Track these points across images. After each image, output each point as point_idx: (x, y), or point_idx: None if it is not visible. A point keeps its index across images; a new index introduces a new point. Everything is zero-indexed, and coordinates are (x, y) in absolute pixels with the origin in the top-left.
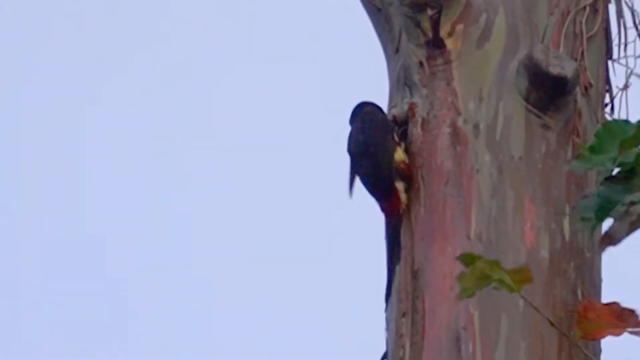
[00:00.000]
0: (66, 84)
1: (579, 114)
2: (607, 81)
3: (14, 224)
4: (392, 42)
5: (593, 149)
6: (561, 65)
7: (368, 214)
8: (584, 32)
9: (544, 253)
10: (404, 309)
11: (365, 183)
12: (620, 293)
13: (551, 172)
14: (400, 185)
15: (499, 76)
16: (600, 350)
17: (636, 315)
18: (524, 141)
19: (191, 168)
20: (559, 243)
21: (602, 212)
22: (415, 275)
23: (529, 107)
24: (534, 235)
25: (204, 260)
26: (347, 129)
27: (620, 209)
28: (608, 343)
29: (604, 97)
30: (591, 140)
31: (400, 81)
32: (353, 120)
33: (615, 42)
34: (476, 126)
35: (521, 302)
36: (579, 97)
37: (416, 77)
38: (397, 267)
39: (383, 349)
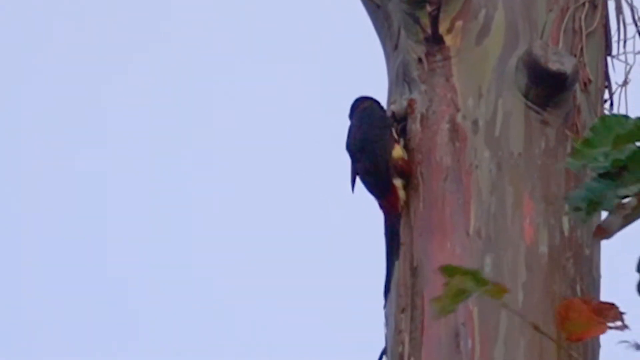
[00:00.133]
0: (66, 84)
1: (578, 110)
2: (607, 77)
3: (14, 224)
4: (391, 38)
5: (588, 143)
6: (560, 62)
7: (368, 214)
8: (583, 28)
9: (543, 249)
10: (403, 305)
11: (363, 180)
12: (620, 290)
13: (550, 168)
14: (398, 182)
15: (498, 72)
16: (599, 345)
17: (615, 309)
18: (523, 137)
19: (191, 168)
20: (558, 239)
21: (591, 206)
22: (414, 271)
23: (528, 103)
24: (533, 231)
25: (204, 260)
26: (347, 126)
27: (613, 201)
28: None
29: (603, 93)
30: (587, 133)
31: (399, 77)
32: (352, 114)
33: (614, 38)
34: (475, 122)
35: (520, 298)
36: (578, 93)
37: (415, 74)
38: (396, 263)
39: (382, 346)
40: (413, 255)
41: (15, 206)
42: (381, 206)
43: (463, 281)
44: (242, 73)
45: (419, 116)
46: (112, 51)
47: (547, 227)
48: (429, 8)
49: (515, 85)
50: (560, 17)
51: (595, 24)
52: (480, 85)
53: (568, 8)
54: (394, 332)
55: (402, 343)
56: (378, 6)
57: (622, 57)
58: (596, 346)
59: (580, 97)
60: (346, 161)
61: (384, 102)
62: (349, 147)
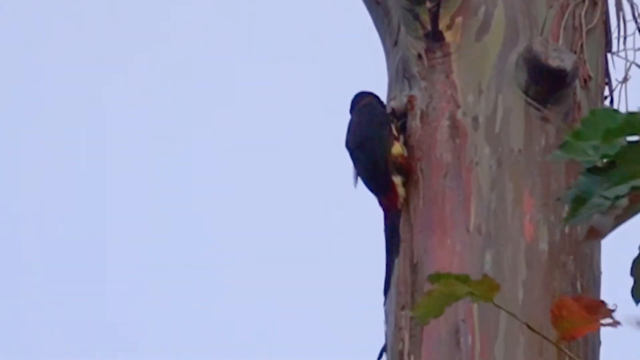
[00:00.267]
0: (66, 84)
1: (579, 107)
2: (607, 74)
3: (14, 224)
4: (390, 35)
5: (577, 135)
6: (560, 58)
7: (368, 214)
8: (583, 24)
9: (543, 245)
10: (403, 302)
11: (363, 178)
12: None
13: (550, 165)
14: (397, 179)
15: (498, 69)
16: (599, 342)
17: (605, 306)
18: (524, 134)
19: (191, 168)
20: (558, 235)
21: (578, 202)
22: (414, 268)
23: (529, 99)
24: (533, 228)
25: (203, 260)
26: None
27: (605, 203)
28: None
29: (603, 89)
30: (577, 126)
31: (399, 74)
32: (353, 110)
33: (614, 35)
34: (475, 119)
35: (520, 294)
36: (578, 90)
37: (415, 70)
38: (396, 261)
39: (382, 344)
40: (413, 252)
41: (15, 206)
42: (381, 203)
43: (449, 285)
44: (242, 73)
45: (419, 113)
46: (112, 51)
47: (547, 224)
48: (428, 4)
49: (515, 81)
50: (561, 13)
51: (595, 21)
52: (480, 81)
53: (568, 5)
54: (394, 329)
55: (402, 340)
56: (378, 3)
57: (622, 54)
58: (597, 344)
59: (580, 93)
60: (346, 161)
61: (384, 99)
62: (348, 145)
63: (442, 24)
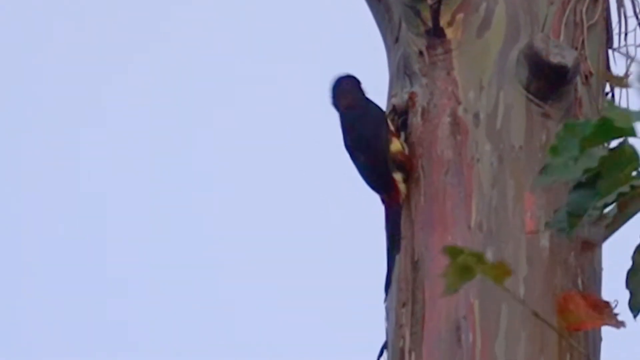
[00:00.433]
0: (66, 84)
1: (580, 103)
2: (608, 70)
3: (14, 224)
4: (391, 31)
5: (555, 150)
6: (561, 54)
7: (368, 214)
8: (585, 21)
9: (545, 242)
10: (403, 299)
11: (363, 176)
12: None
13: None
14: (398, 176)
15: (499, 65)
16: (600, 339)
17: (609, 307)
18: (525, 130)
19: (191, 168)
20: None
21: (574, 219)
22: (415, 265)
23: (530, 96)
24: (534, 225)
25: (203, 260)
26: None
27: (593, 213)
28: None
29: (604, 86)
30: (552, 141)
31: (400, 70)
32: (335, 99)
33: (615, 31)
34: (476, 115)
35: (521, 291)
36: (580, 86)
37: (416, 67)
38: (397, 257)
39: (382, 343)
40: (414, 249)
41: (15, 206)
42: (382, 201)
43: (468, 260)
44: (242, 73)
45: (420, 109)
46: (112, 51)
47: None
48: (429, 1)
49: (516, 78)
50: (562, 9)
51: (596, 17)
52: (481, 78)
53: (569, 1)
54: (394, 326)
55: (403, 337)
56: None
57: (623, 50)
58: (597, 340)
59: (581, 90)
60: (346, 161)
61: (384, 96)
62: (346, 145)
63: (443, 21)
